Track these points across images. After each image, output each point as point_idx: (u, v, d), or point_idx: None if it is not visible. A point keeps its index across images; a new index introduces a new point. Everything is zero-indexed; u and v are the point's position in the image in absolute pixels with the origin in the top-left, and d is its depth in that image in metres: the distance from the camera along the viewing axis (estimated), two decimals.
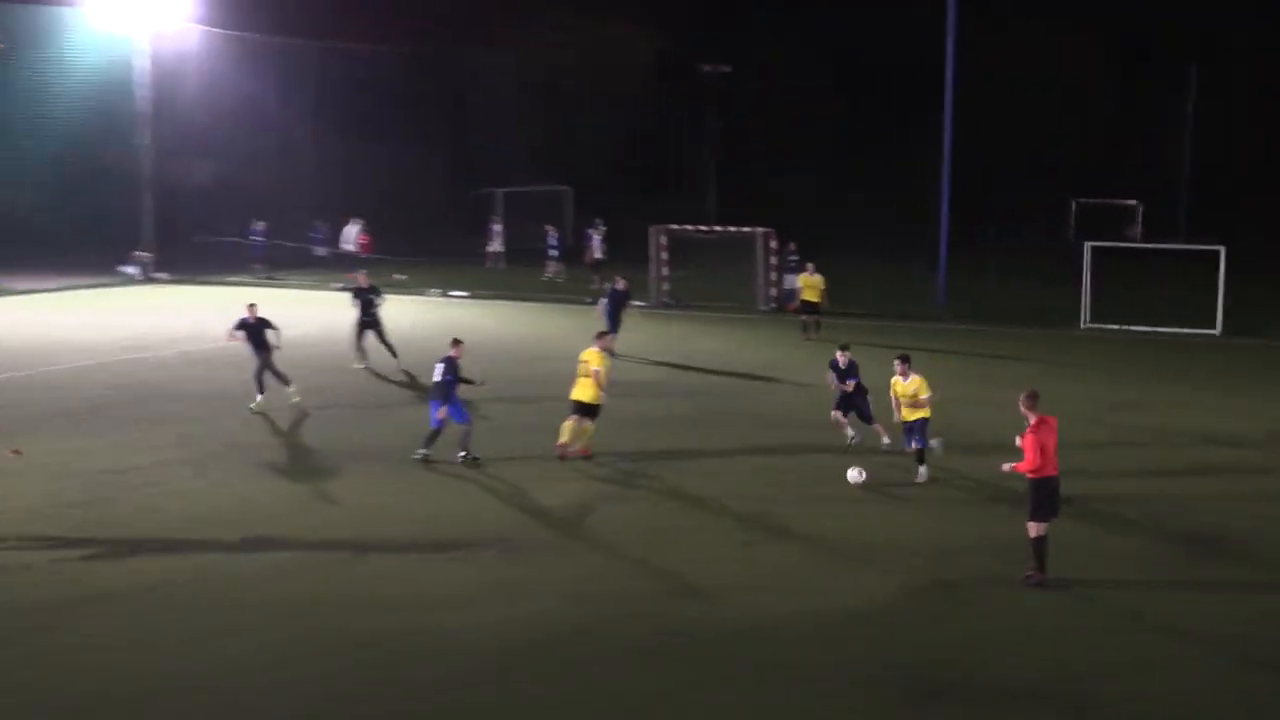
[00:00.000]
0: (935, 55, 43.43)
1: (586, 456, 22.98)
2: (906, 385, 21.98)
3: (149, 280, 50.97)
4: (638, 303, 43.16)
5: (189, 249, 54.20)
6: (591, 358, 23.06)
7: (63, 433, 24.94)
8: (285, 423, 26.18)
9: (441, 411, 22.45)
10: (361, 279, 32.58)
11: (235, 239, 55.35)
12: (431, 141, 68.68)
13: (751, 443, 24.64)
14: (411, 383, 29.99)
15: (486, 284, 49.23)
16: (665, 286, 44.63)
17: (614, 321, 33.84)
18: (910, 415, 21.96)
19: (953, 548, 18.38)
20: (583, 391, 22.88)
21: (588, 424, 23.11)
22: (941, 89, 42.99)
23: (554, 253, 52.88)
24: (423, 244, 55.73)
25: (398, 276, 48.11)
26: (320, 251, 54.34)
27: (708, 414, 27.28)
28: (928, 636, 15.29)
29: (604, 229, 53.02)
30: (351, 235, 52.26)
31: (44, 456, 22.73)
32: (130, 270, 51.25)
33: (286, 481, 22.04)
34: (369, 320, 31.70)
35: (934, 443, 22.25)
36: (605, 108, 74.09)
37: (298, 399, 26.96)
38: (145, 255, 51.96)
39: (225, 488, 21.25)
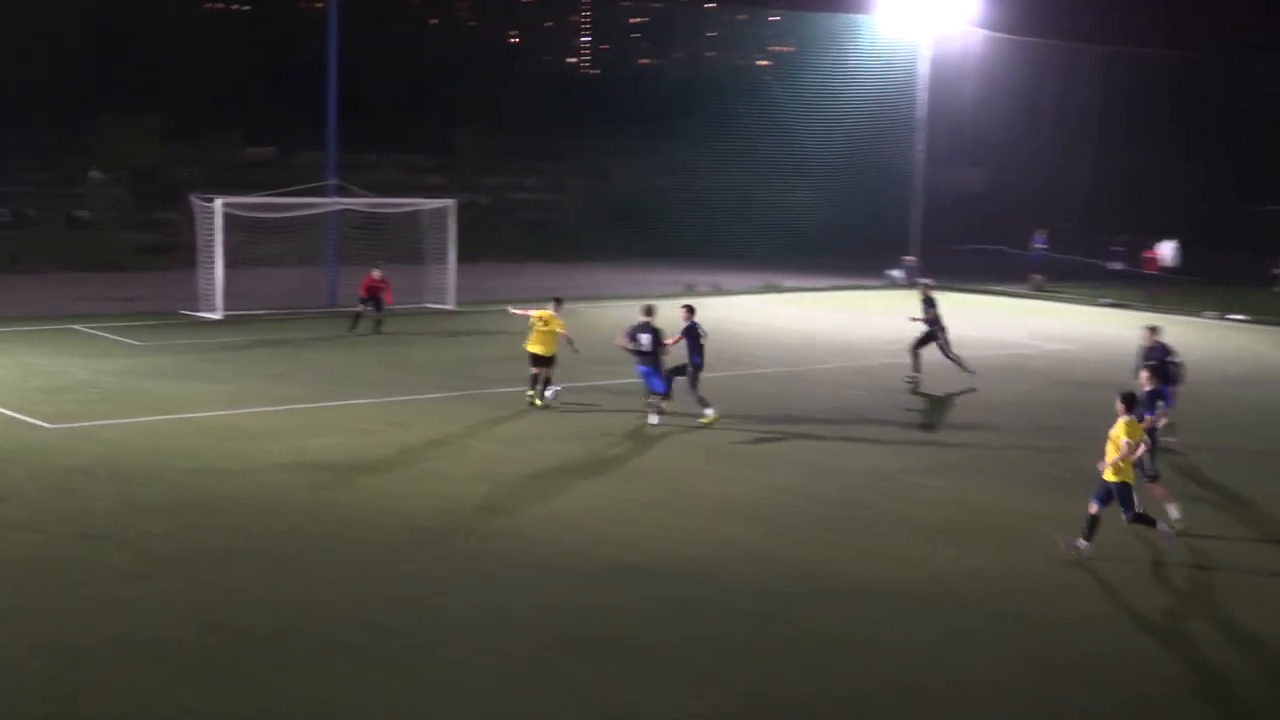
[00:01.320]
0: None
1: None
2: (1116, 429, 17.16)
3: (912, 285, 51.25)
4: None
5: (954, 256, 54.29)
6: None
7: (817, 430, 25.02)
8: (1018, 440, 24.72)
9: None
10: (924, 289, 31.00)
11: (1004, 248, 54.75)
12: (1216, 152, 65.54)
13: None
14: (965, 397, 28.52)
15: (1275, 309, 45.16)
16: None
17: None
18: (1110, 470, 17.13)
19: None
20: None
21: None
22: None
23: None
24: (1206, 263, 51.67)
25: None
26: (1116, 266, 51.61)
27: None
28: None
29: None
30: (1168, 252, 49.35)
31: (797, 453, 22.99)
32: (896, 274, 51.99)
33: (1010, 493, 20.80)
34: (930, 332, 30.26)
35: (1168, 535, 17.56)
36: None
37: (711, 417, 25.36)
38: (911, 260, 52.47)
39: (961, 498, 20.44)
